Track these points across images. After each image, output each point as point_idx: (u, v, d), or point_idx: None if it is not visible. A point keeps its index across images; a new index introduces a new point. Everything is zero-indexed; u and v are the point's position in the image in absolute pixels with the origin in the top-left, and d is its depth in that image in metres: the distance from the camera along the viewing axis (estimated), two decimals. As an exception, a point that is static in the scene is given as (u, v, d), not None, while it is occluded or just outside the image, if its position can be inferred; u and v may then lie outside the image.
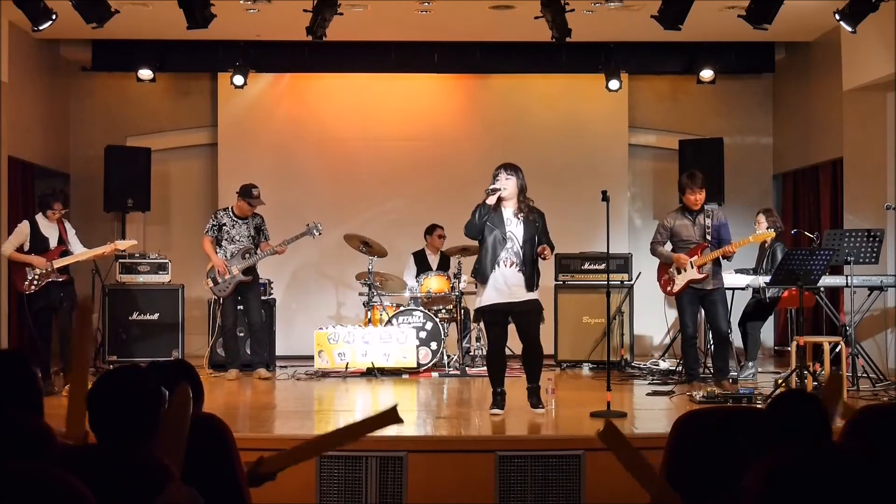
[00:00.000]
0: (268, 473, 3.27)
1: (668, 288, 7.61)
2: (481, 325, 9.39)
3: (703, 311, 7.82)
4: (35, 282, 7.66)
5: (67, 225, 7.97)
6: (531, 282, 6.39)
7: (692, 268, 7.40)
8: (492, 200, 6.42)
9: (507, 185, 6.43)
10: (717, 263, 7.44)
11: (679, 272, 7.49)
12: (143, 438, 2.64)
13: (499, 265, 6.41)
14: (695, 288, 7.42)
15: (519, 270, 6.39)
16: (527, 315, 6.46)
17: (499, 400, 6.52)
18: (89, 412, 2.67)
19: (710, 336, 7.77)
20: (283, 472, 5.37)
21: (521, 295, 6.39)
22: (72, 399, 3.13)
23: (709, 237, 7.39)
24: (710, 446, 3.15)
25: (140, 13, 8.81)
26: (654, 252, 7.77)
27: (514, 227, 6.44)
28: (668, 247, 7.63)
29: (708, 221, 7.43)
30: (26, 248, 7.75)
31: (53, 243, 7.80)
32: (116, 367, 2.84)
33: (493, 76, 11.04)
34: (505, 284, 6.40)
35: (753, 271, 8.59)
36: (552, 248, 6.52)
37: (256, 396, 7.68)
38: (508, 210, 6.47)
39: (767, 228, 8.32)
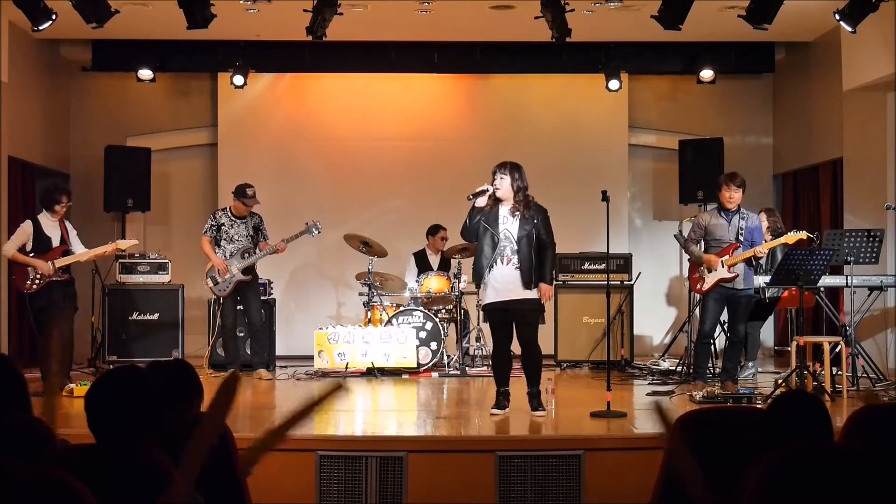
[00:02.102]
0: (246, 471, 3.27)
1: (699, 286, 7.60)
2: (481, 325, 9.42)
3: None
4: (37, 281, 7.66)
5: (69, 225, 7.97)
6: (528, 279, 6.36)
7: (723, 267, 7.39)
8: (481, 202, 6.45)
9: (501, 185, 6.43)
10: (748, 264, 7.43)
11: (710, 271, 7.48)
12: (142, 438, 2.64)
13: (495, 264, 6.41)
14: (724, 287, 7.41)
15: (515, 268, 6.38)
16: (522, 314, 6.44)
17: (501, 400, 6.52)
18: (87, 413, 2.67)
19: (725, 336, 7.79)
20: (284, 472, 5.39)
21: (518, 293, 6.38)
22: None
23: (741, 238, 7.39)
24: (710, 446, 3.15)
25: (140, 13, 8.81)
26: (686, 249, 7.84)
27: (510, 225, 6.43)
28: (702, 246, 7.63)
29: (742, 223, 7.43)
30: (29, 247, 7.75)
31: (56, 243, 7.80)
32: (114, 367, 2.84)
33: (493, 76, 11.04)
34: (501, 282, 6.40)
35: (753, 271, 8.57)
36: (553, 248, 6.50)
37: (256, 396, 7.67)
38: (504, 208, 6.46)
39: (768, 228, 8.32)
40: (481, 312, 9.26)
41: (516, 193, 6.43)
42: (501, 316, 6.49)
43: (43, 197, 7.94)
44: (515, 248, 6.38)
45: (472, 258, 9.06)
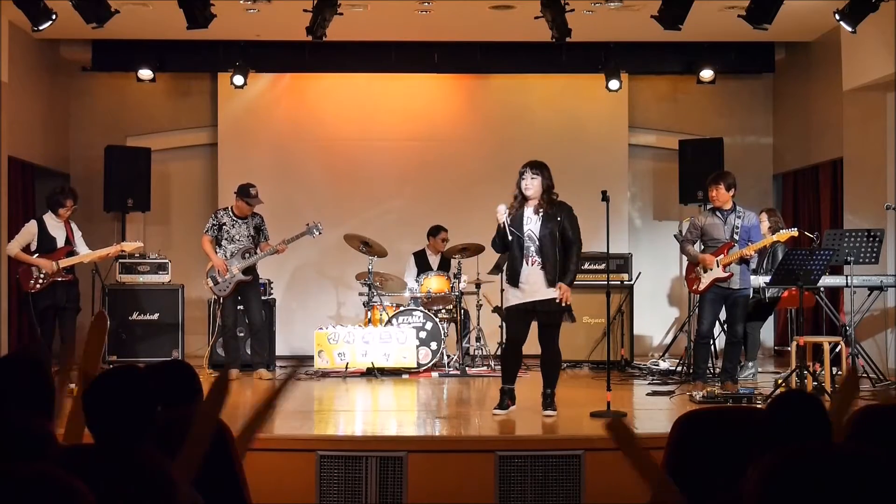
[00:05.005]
0: None
1: (695, 286, 7.60)
2: (481, 325, 9.43)
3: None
4: (41, 280, 7.66)
5: (74, 226, 7.98)
6: (552, 278, 6.32)
7: (717, 266, 7.39)
8: (501, 216, 6.42)
9: (532, 184, 6.41)
10: (744, 263, 7.42)
11: (705, 271, 7.48)
12: (141, 438, 2.64)
13: (524, 266, 6.39)
14: (721, 287, 7.41)
15: (540, 268, 6.36)
16: (547, 315, 6.42)
17: (504, 399, 6.50)
18: (86, 413, 2.67)
19: (724, 336, 7.80)
20: (284, 472, 5.39)
21: (543, 293, 6.34)
22: (74, 409, 3.14)
23: (737, 237, 7.38)
24: (710, 446, 3.15)
25: (140, 13, 8.82)
26: (682, 250, 7.87)
27: (533, 225, 6.41)
28: (699, 246, 7.62)
29: (738, 222, 7.43)
30: (33, 247, 7.76)
31: (60, 243, 7.81)
32: (114, 367, 2.85)
33: (493, 76, 11.04)
34: (528, 283, 6.38)
35: (753, 271, 8.58)
36: (579, 246, 6.43)
37: (256, 396, 7.67)
38: (529, 209, 6.45)
39: (769, 228, 8.32)
40: (485, 312, 9.30)
41: (544, 192, 6.42)
42: (523, 315, 6.47)
43: (49, 199, 7.93)
44: (538, 246, 6.37)
45: (473, 258, 9.17)
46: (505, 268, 6.64)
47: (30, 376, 2.95)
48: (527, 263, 6.39)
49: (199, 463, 2.81)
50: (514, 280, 6.44)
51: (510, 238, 6.41)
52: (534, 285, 6.36)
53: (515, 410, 6.53)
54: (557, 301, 6.33)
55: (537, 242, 6.37)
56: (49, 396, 2.99)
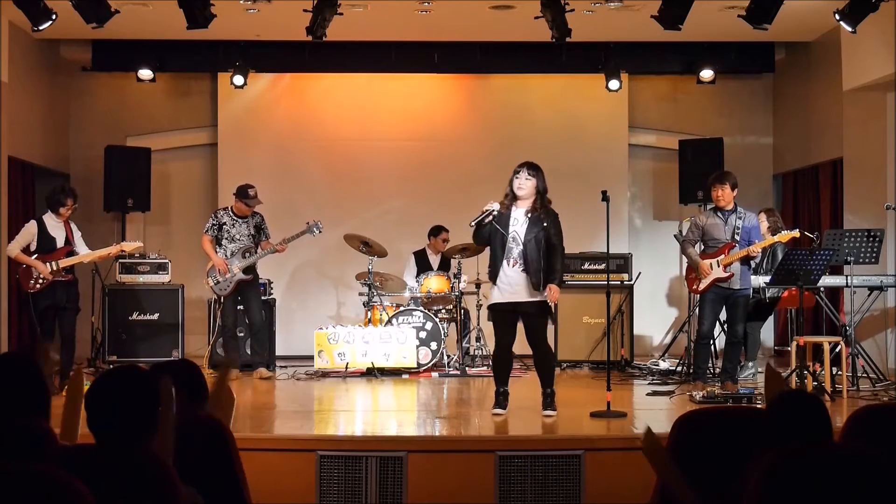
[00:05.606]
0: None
1: (695, 286, 7.60)
2: (481, 325, 9.42)
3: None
4: (40, 281, 7.67)
5: (73, 226, 7.99)
6: (536, 282, 6.32)
7: (718, 266, 7.39)
8: (488, 219, 6.41)
9: (526, 185, 6.40)
10: (745, 264, 7.42)
11: (702, 279, 7.49)
12: (142, 438, 2.64)
13: (504, 265, 6.39)
14: (721, 287, 7.41)
15: (522, 270, 6.35)
16: (530, 317, 6.42)
17: (501, 399, 6.50)
18: (87, 412, 2.67)
19: (724, 336, 7.80)
20: (284, 472, 5.39)
21: (525, 295, 6.35)
22: (67, 410, 3.15)
23: (737, 238, 7.39)
24: (710, 446, 3.15)
25: (140, 13, 8.82)
26: (683, 251, 7.87)
27: (519, 227, 6.39)
28: (700, 247, 7.62)
29: (739, 223, 7.43)
30: (33, 248, 7.76)
31: (60, 243, 7.82)
32: (115, 366, 2.85)
33: (493, 76, 11.04)
34: (509, 284, 6.38)
35: (754, 271, 8.57)
36: (561, 249, 6.44)
37: (256, 396, 7.67)
38: (520, 210, 6.43)
39: (768, 228, 8.32)
40: (485, 312, 9.30)
41: (538, 196, 6.41)
42: (507, 316, 6.47)
43: (49, 198, 7.93)
44: (522, 250, 6.36)
45: (473, 258, 9.17)
46: (489, 265, 6.58)
47: (26, 376, 2.96)
48: (507, 263, 6.38)
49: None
50: (493, 278, 6.45)
51: (493, 232, 6.36)
52: (516, 287, 6.36)
53: (517, 410, 6.53)
54: (544, 302, 6.35)
55: (521, 246, 6.36)
56: (45, 396, 3.00)
